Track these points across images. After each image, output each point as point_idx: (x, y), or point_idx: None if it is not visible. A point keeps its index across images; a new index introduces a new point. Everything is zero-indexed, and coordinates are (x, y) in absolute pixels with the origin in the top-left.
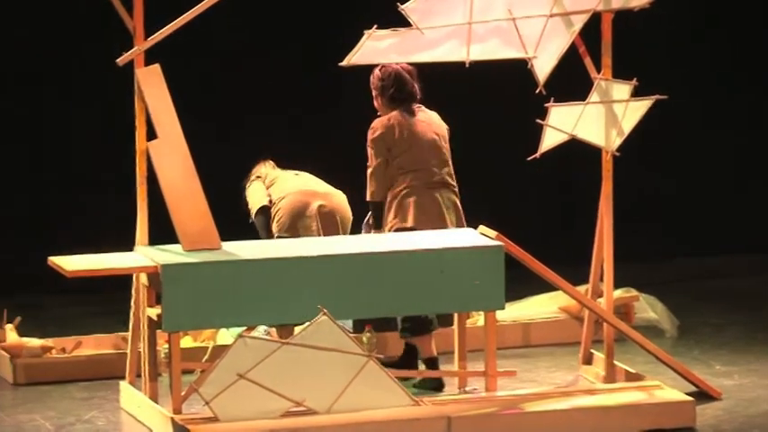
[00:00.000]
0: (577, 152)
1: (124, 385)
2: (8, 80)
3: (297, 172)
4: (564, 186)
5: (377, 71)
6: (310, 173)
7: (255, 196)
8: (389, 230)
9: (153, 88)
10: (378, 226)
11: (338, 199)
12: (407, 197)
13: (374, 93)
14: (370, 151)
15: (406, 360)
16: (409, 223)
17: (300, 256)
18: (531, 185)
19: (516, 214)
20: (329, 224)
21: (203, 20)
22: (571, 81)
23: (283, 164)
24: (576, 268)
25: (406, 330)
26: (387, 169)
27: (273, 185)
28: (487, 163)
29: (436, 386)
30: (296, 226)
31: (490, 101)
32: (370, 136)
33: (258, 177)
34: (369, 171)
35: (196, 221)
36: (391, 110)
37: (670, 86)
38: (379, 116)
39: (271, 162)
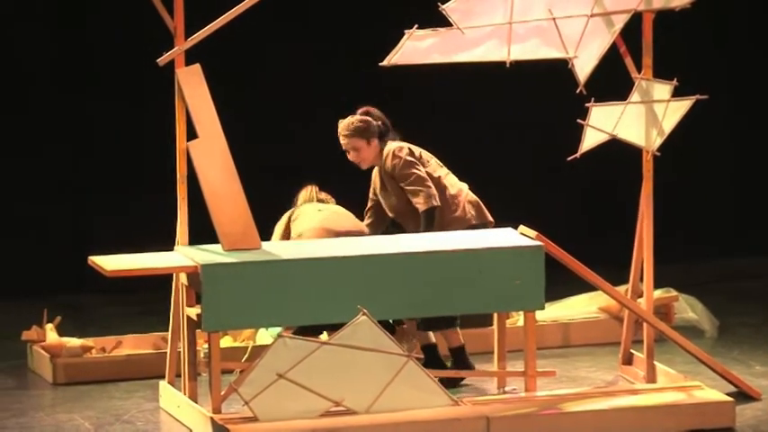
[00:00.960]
0: (618, 152)
1: (164, 385)
2: (51, 81)
3: (322, 207)
4: (604, 186)
5: (352, 122)
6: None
7: (274, 236)
8: (466, 227)
9: (193, 88)
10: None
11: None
12: (468, 196)
13: (363, 142)
14: (409, 169)
15: (432, 360)
16: (489, 217)
17: (340, 256)
18: (572, 185)
19: (556, 214)
20: None
21: (245, 20)
22: (612, 81)
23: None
24: (615, 269)
25: (429, 326)
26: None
27: (296, 221)
28: (528, 162)
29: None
30: None
31: (531, 100)
32: (403, 155)
33: (290, 215)
34: (415, 180)
35: (236, 221)
36: (383, 146)
37: (710, 86)
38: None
39: (314, 187)
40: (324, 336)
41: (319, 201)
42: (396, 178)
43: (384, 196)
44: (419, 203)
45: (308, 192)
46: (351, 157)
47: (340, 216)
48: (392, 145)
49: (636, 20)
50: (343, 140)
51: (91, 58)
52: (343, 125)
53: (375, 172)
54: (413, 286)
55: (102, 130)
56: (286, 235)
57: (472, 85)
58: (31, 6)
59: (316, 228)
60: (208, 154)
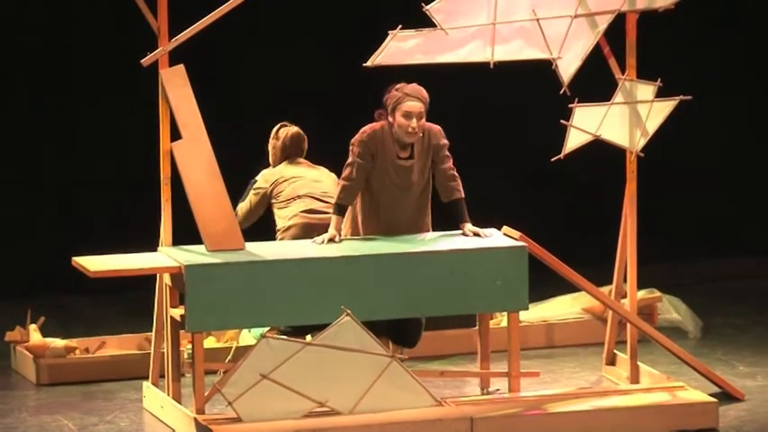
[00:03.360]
0: (601, 153)
1: (147, 386)
2: (35, 82)
3: (297, 175)
4: (588, 187)
5: (422, 90)
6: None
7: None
8: None
9: (177, 89)
10: None
11: (325, 207)
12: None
13: (425, 112)
14: (450, 154)
15: None
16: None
17: (324, 257)
18: (556, 186)
19: (540, 215)
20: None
21: (229, 20)
22: (595, 82)
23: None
24: (599, 269)
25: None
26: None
27: (280, 190)
28: (512, 163)
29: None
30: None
31: (514, 101)
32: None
33: (258, 189)
34: (454, 166)
35: (220, 222)
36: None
37: (692, 87)
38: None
39: (295, 128)
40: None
41: (302, 149)
42: (439, 157)
43: (399, 169)
44: (459, 190)
45: (287, 133)
46: (413, 124)
47: (314, 185)
48: (432, 125)
49: (619, 20)
50: (416, 105)
51: (75, 58)
52: (419, 90)
53: (367, 138)
54: (396, 287)
55: (86, 131)
56: (265, 203)
57: (453, 86)
58: (15, 4)
59: (298, 224)
60: (191, 155)
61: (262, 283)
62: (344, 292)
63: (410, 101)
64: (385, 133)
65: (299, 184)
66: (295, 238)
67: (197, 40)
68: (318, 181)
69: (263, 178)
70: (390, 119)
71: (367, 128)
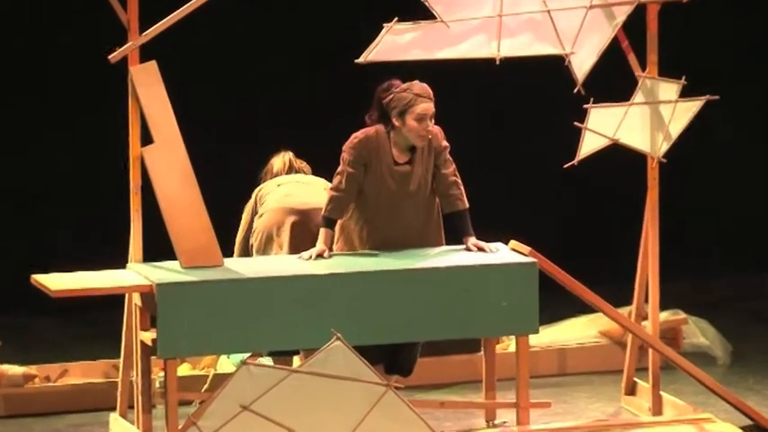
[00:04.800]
0: (619, 158)
1: (114, 418)
2: None
3: (283, 179)
4: (605, 196)
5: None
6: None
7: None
8: None
9: (148, 88)
10: None
11: (318, 215)
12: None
13: None
14: (451, 159)
15: None
16: None
17: (311, 275)
18: (569, 195)
19: (551, 227)
20: (301, 239)
21: (204, 13)
22: (613, 80)
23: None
24: (617, 288)
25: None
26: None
27: (262, 202)
28: (520, 170)
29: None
30: (269, 249)
31: (521, 102)
32: None
33: (257, 194)
34: (457, 173)
35: (196, 235)
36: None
37: (720, 85)
38: None
39: (289, 153)
40: (295, 361)
41: (296, 171)
42: (439, 161)
43: (397, 176)
44: (462, 199)
45: (281, 160)
46: (425, 126)
47: (301, 188)
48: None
49: (639, 11)
50: (429, 106)
51: (33, 54)
52: (428, 89)
53: (359, 145)
54: (391, 308)
55: (47, 134)
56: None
57: (455, 85)
58: None
59: (272, 208)
60: (164, 161)
61: (242, 304)
62: (334, 314)
63: (423, 102)
64: (380, 137)
65: (285, 188)
66: (269, 226)
67: (170, 33)
68: (309, 184)
69: (254, 193)
70: (396, 122)
71: (359, 133)
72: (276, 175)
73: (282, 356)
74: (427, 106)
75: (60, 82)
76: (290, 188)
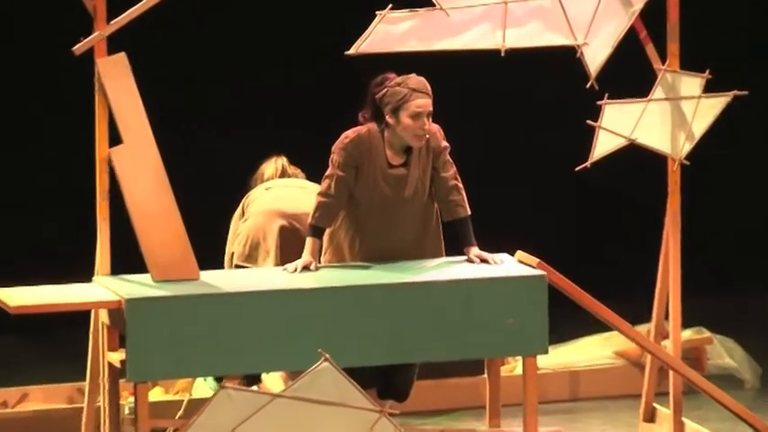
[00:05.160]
0: (636, 160)
1: None
2: None
3: (272, 183)
4: (621, 202)
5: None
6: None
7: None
8: None
9: (117, 82)
10: None
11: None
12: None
13: None
14: (452, 161)
15: None
16: None
17: (296, 289)
18: (581, 201)
19: (561, 236)
20: (290, 246)
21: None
22: (630, 74)
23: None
24: (634, 303)
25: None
26: None
27: (249, 207)
28: (527, 173)
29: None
30: (255, 254)
31: (528, 98)
32: None
33: (244, 202)
34: (458, 175)
35: (169, 246)
36: None
37: (748, 79)
38: None
39: (282, 161)
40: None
41: (289, 177)
42: (438, 163)
43: (391, 179)
44: (464, 205)
45: (273, 165)
46: (422, 124)
47: (291, 193)
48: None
49: None
50: (426, 102)
51: None
52: (425, 84)
53: (350, 145)
54: (385, 326)
55: (7, 135)
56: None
57: (455, 79)
58: None
59: (259, 212)
60: (135, 163)
61: (220, 322)
62: (322, 332)
63: (419, 98)
64: (373, 137)
65: (275, 192)
66: (255, 230)
67: (143, 22)
68: (302, 188)
69: (242, 202)
70: (390, 120)
71: (350, 132)
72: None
73: (249, 380)
74: (424, 102)
75: (18, 76)
76: (280, 191)
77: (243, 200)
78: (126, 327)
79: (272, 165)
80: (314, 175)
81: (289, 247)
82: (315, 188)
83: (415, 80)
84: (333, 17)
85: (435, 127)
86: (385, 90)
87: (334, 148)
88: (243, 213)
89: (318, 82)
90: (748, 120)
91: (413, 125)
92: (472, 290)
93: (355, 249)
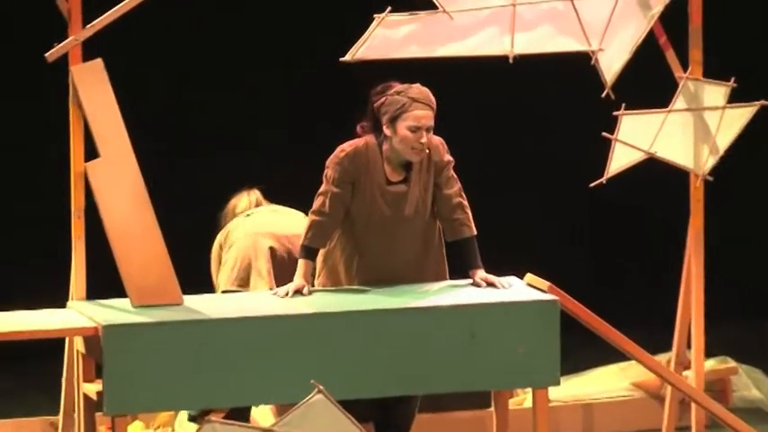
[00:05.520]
0: (655, 175)
1: None
2: None
3: (252, 210)
4: (638, 221)
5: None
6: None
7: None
8: None
9: (93, 90)
10: None
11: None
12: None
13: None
14: (456, 176)
15: None
16: None
17: (287, 315)
18: (595, 220)
19: (574, 258)
20: (282, 269)
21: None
22: (648, 81)
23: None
24: (653, 330)
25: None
26: None
27: (227, 240)
28: (536, 189)
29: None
30: (246, 276)
31: (538, 108)
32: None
33: (222, 238)
34: (462, 192)
35: (150, 268)
36: None
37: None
38: None
39: (256, 194)
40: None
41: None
42: (441, 179)
43: (390, 197)
44: (469, 224)
45: (247, 198)
46: (419, 137)
47: (278, 216)
48: (431, 136)
49: (679, 1)
50: (426, 113)
51: None
52: (427, 94)
53: (345, 159)
54: (384, 355)
55: None
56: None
57: (459, 88)
58: None
59: (244, 235)
60: (112, 179)
61: (205, 350)
62: (315, 362)
63: (419, 108)
64: (370, 151)
65: (257, 217)
66: (244, 252)
67: (120, 26)
68: (287, 214)
69: (216, 240)
70: (387, 131)
71: (346, 145)
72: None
73: (237, 413)
74: (424, 114)
75: None
76: (264, 216)
77: (218, 236)
78: (103, 356)
79: (245, 198)
80: (305, 195)
81: (281, 271)
82: (300, 215)
83: (417, 90)
84: (329, 20)
85: (438, 140)
86: (384, 99)
87: (328, 162)
88: (221, 248)
89: (310, 90)
90: None
91: (410, 138)
92: (478, 316)
93: (352, 272)
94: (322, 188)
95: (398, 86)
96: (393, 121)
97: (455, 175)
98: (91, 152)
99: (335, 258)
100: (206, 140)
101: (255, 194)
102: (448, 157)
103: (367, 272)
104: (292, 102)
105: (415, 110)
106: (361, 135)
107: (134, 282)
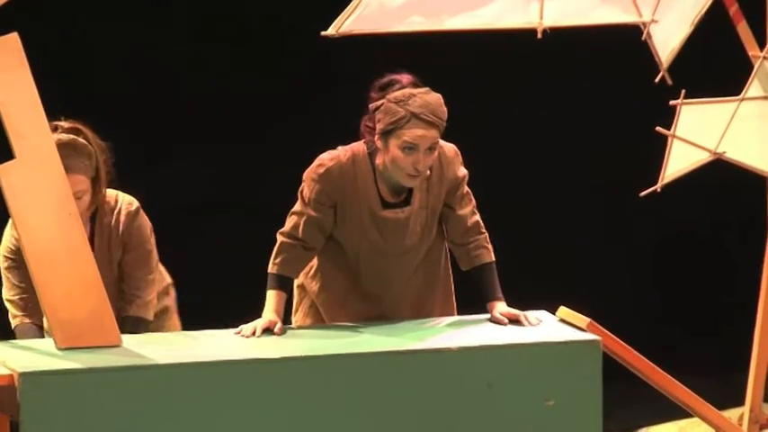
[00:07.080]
0: (724, 182)
1: None
2: None
3: None
4: (699, 241)
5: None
6: None
7: None
8: None
9: (7, 75)
10: None
11: None
12: None
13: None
14: (470, 192)
15: None
16: None
17: (254, 359)
18: (645, 240)
19: (618, 287)
20: None
21: None
22: (714, 63)
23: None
24: (720, 379)
25: None
26: None
27: None
28: (571, 200)
29: None
30: None
31: (573, 97)
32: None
33: None
34: (476, 209)
35: (79, 300)
36: None
37: None
38: None
39: None
40: None
41: None
42: (454, 197)
43: (385, 224)
44: (487, 248)
45: None
46: (415, 161)
47: None
48: (442, 144)
49: None
50: (427, 132)
51: None
52: (434, 104)
53: (326, 176)
54: (377, 410)
55: None
56: None
57: (474, 73)
58: None
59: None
60: (30, 185)
61: (148, 404)
62: (287, 418)
63: (418, 127)
64: (358, 166)
65: None
66: None
67: None
68: None
69: None
70: (378, 144)
71: (326, 157)
72: None
73: None
74: (423, 133)
75: None
76: None
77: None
78: (20, 411)
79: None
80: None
81: None
82: None
83: (422, 101)
84: None
85: (452, 150)
86: (381, 103)
87: (305, 176)
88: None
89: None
90: None
91: (402, 160)
92: (495, 360)
93: (337, 308)
94: (296, 207)
95: (401, 91)
96: (386, 135)
97: (469, 190)
98: (4, 152)
99: (311, 290)
100: (156, 144)
101: None
102: (463, 171)
103: (359, 308)
104: (262, 90)
105: (413, 127)
106: (364, 135)
107: (58, 317)
